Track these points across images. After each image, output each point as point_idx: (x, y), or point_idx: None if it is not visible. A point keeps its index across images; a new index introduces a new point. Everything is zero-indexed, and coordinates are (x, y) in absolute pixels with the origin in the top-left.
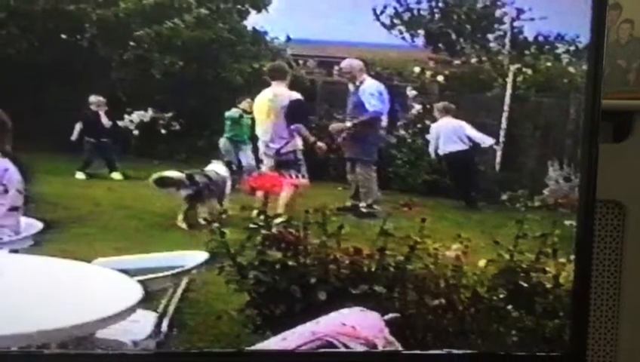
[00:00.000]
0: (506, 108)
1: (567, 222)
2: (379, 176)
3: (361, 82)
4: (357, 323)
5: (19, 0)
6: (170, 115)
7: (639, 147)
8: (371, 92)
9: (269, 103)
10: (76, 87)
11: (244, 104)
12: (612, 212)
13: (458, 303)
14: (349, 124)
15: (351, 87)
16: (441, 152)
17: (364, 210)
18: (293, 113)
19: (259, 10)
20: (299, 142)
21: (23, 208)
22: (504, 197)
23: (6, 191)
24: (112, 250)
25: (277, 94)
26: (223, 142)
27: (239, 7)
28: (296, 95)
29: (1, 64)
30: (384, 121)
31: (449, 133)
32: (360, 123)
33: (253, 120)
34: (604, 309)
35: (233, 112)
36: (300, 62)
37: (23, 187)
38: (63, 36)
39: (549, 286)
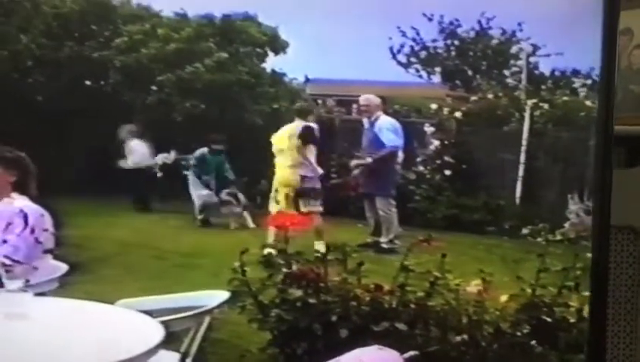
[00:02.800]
0: (524, 142)
1: (589, 255)
2: (398, 211)
3: (377, 118)
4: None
5: (44, 48)
6: (192, 156)
7: None
8: (387, 127)
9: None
10: (100, 131)
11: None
12: (627, 238)
13: (481, 339)
14: (369, 159)
15: (366, 122)
16: None
17: (384, 245)
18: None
19: (277, 53)
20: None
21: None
22: (525, 231)
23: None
24: (137, 290)
25: (297, 125)
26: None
27: (258, 50)
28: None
29: (28, 111)
30: (401, 156)
31: None
32: (378, 158)
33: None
34: (621, 336)
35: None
36: (319, 101)
37: (53, 230)
38: (88, 82)
39: (572, 320)
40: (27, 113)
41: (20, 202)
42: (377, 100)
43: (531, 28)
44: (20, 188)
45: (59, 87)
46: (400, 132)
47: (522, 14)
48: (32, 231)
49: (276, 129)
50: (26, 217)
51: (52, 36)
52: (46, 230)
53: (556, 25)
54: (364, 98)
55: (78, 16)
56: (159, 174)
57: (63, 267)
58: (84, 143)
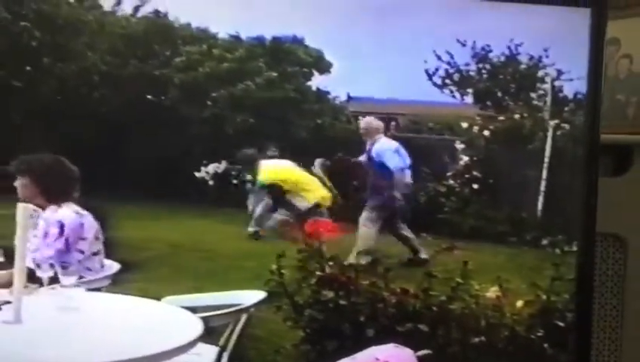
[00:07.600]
0: (546, 159)
1: None
2: (429, 221)
3: (375, 141)
4: (390, 359)
5: (110, 65)
6: (241, 166)
7: (639, 181)
8: (388, 150)
9: None
10: (160, 141)
11: None
12: (613, 245)
13: (498, 341)
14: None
15: (368, 144)
16: None
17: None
18: None
19: (322, 73)
20: None
21: (105, 251)
22: (545, 241)
23: (84, 239)
24: (186, 288)
25: None
26: None
27: (305, 70)
28: None
29: (94, 122)
30: (408, 174)
31: None
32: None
33: None
34: (606, 342)
35: None
36: (360, 118)
37: (100, 233)
38: (149, 97)
39: None
40: (93, 123)
41: (62, 213)
42: (377, 123)
43: (556, 54)
44: (53, 195)
45: (123, 100)
46: (402, 151)
47: (548, 41)
48: (67, 240)
49: (320, 142)
50: (62, 227)
51: (117, 54)
52: (84, 239)
53: (580, 50)
54: (364, 122)
55: (141, 36)
56: (210, 183)
57: (115, 266)
58: (144, 152)
